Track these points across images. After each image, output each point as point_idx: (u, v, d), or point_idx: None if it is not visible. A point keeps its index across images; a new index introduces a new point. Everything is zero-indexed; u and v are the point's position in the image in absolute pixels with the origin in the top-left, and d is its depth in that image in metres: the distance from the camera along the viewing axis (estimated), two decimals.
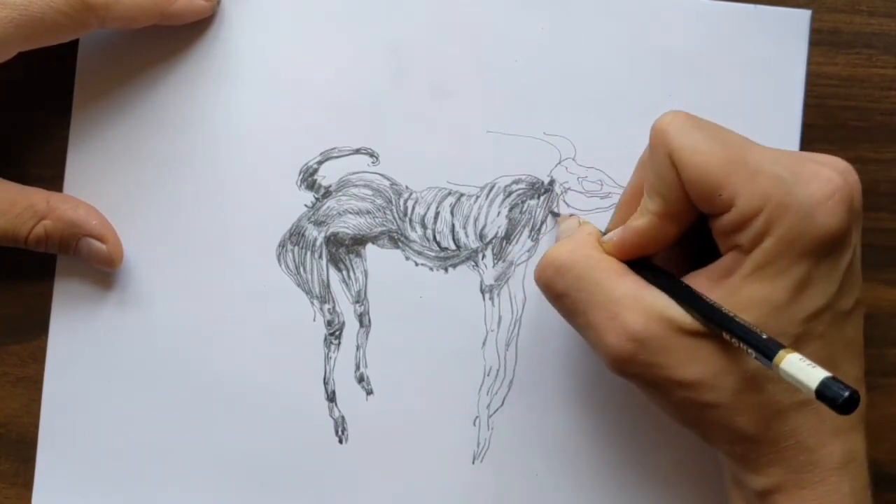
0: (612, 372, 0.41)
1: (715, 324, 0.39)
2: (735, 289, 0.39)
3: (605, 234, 0.44)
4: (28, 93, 0.49)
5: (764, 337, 0.37)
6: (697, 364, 0.39)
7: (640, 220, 0.41)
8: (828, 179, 0.39)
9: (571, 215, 0.48)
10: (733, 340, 0.38)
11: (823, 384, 0.34)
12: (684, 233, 0.42)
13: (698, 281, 0.41)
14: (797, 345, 0.39)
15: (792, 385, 0.36)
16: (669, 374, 0.39)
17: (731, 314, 0.38)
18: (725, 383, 0.39)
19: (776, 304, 0.39)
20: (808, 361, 0.35)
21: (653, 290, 0.40)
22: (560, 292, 0.42)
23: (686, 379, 0.39)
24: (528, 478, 0.48)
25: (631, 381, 0.41)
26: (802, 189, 0.38)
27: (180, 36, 0.48)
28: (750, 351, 0.37)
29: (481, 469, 0.48)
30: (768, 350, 0.36)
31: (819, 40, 0.51)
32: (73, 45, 0.48)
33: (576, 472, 0.48)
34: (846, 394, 0.33)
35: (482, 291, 0.48)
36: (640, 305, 0.40)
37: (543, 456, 0.48)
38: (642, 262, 0.42)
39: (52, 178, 0.48)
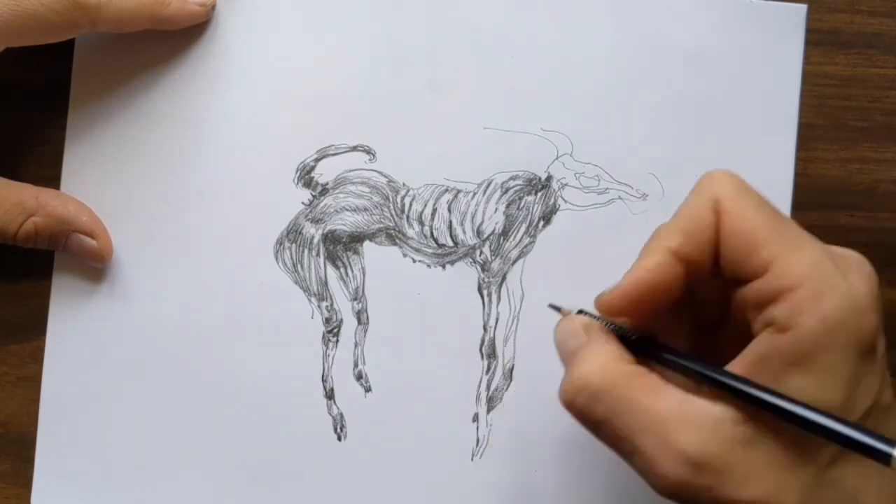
0: (662, 496, 0.36)
1: (808, 427, 0.33)
2: (775, 381, 0.34)
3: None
4: (25, 93, 0.49)
5: (873, 434, 0.33)
6: (757, 479, 0.34)
7: (649, 258, 0.38)
8: (868, 274, 0.36)
9: (567, 314, 0.41)
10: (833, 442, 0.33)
11: None
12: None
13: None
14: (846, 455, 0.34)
15: (858, 476, 0.34)
16: (730, 495, 0.34)
17: (824, 412, 0.33)
18: (790, 497, 0.35)
19: (829, 407, 0.34)
20: None
21: (697, 400, 0.35)
22: (599, 419, 0.37)
23: (750, 498, 0.34)
24: (527, 474, 0.48)
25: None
26: (847, 276, 0.35)
27: (176, 34, 0.48)
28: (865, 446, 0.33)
29: (480, 466, 0.48)
30: (881, 448, 0.32)
31: (819, 40, 0.51)
32: (70, 44, 0.48)
33: (575, 469, 0.48)
34: None
35: (480, 288, 0.48)
36: (692, 423, 0.35)
37: (542, 452, 0.48)
38: (686, 357, 0.37)
39: (49, 178, 0.48)
